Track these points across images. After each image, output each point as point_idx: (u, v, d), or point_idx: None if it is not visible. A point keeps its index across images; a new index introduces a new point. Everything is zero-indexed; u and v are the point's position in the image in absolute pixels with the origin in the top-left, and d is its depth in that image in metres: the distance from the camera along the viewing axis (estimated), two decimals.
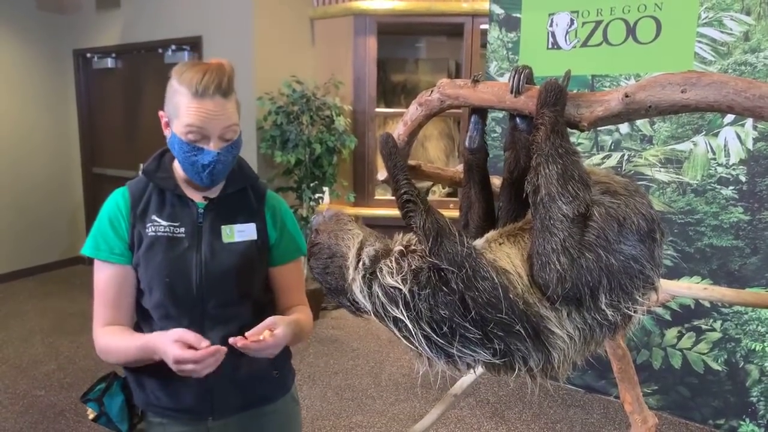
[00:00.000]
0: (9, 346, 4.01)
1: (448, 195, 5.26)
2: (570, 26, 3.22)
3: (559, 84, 0.87)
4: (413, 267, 0.87)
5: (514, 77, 0.92)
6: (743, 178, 2.84)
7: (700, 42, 2.86)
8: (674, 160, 3.03)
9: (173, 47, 4.90)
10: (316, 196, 4.42)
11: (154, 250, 1.29)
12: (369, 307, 0.89)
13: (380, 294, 0.88)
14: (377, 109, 4.92)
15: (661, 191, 3.07)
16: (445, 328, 0.85)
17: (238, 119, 1.29)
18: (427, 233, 0.87)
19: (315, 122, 4.32)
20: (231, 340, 1.15)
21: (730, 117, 2.85)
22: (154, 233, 1.30)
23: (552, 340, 0.86)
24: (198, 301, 1.30)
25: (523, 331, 0.85)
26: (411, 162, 1.16)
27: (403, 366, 3.76)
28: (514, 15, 3.44)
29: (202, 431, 1.34)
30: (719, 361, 3.00)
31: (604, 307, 0.85)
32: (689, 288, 1.71)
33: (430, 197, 5.24)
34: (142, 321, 1.36)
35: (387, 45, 5.16)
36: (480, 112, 1.04)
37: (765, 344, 2.86)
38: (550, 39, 3.30)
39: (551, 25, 3.28)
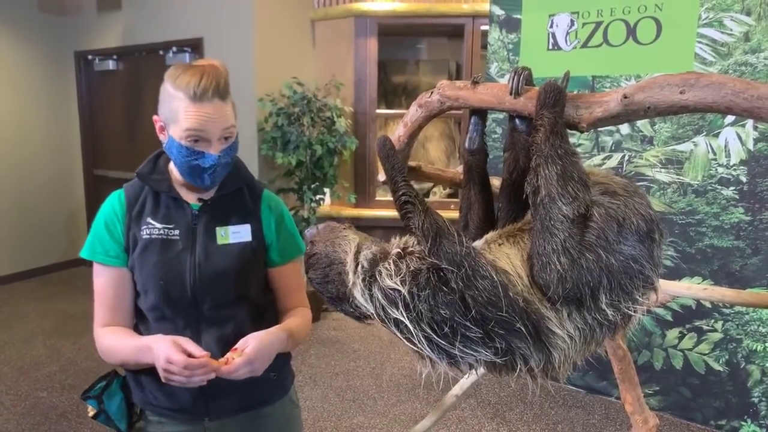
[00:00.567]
0: (11, 348, 4.01)
1: (449, 196, 5.26)
2: (570, 27, 3.22)
3: (558, 85, 0.87)
4: (412, 268, 0.88)
5: (513, 79, 0.92)
6: (744, 179, 2.84)
7: (700, 43, 2.87)
8: (675, 161, 3.03)
9: (174, 49, 4.91)
10: (317, 197, 4.42)
11: (149, 253, 1.29)
12: (371, 310, 0.90)
13: (380, 296, 0.88)
14: (378, 111, 4.92)
15: (661, 192, 3.07)
16: (446, 329, 0.85)
17: (235, 120, 1.29)
18: (426, 234, 0.87)
19: (316, 123, 4.33)
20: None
21: (730, 118, 2.85)
22: (148, 236, 1.30)
23: (553, 340, 0.87)
24: (192, 304, 1.30)
25: (523, 329, 0.85)
26: (411, 163, 1.17)
27: (404, 367, 3.76)
28: (515, 16, 3.45)
29: (199, 431, 1.35)
30: (720, 362, 2.99)
31: (604, 307, 0.86)
32: (689, 288, 1.71)
33: (431, 198, 5.24)
34: (139, 322, 1.37)
35: (388, 46, 5.16)
36: (480, 113, 1.04)
37: (766, 345, 2.86)
38: (551, 40, 3.30)
39: (551, 26, 3.29)
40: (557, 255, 0.84)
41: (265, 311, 1.43)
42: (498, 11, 3.53)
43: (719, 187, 2.91)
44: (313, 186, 4.38)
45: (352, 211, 4.79)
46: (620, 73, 3.12)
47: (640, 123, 3.10)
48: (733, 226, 2.89)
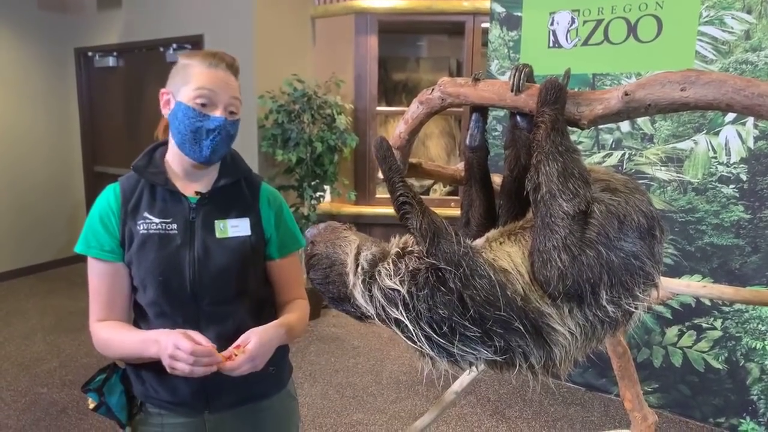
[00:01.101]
0: (11, 344, 4.02)
1: (449, 194, 5.26)
2: (571, 25, 3.22)
3: (560, 82, 0.87)
4: (411, 268, 0.88)
5: (514, 75, 0.92)
6: (744, 177, 2.84)
7: (701, 41, 2.87)
8: (675, 159, 3.03)
9: (174, 46, 4.91)
10: (318, 194, 4.42)
11: (147, 249, 1.29)
12: (371, 311, 0.90)
13: (380, 296, 0.88)
14: (378, 108, 4.92)
15: (661, 190, 3.07)
16: (444, 328, 0.85)
17: (241, 100, 1.33)
18: (424, 234, 0.87)
19: (316, 121, 4.32)
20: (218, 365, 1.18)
21: (731, 115, 2.85)
22: (146, 231, 1.29)
23: (553, 336, 0.87)
24: (192, 299, 1.30)
25: (522, 328, 0.85)
26: (412, 160, 1.17)
27: (404, 364, 3.76)
28: (515, 13, 3.45)
29: (198, 424, 1.36)
30: (720, 360, 3.00)
31: (605, 303, 0.86)
32: (688, 286, 1.72)
33: (431, 196, 5.24)
34: (139, 318, 1.37)
35: (388, 43, 5.16)
36: (481, 110, 1.04)
37: (765, 343, 2.87)
38: (551, 37, 3.30)
39: (552, 24, 3.29)
40: (558, 252, 0.84)
41: (264, 305, 1.43)
42: (498, 8, 3.52)
43: (719, 185, 2.91)
44: (313, 183, 4.38)
45: (352, 208, 4.79)
46: (621, 71, 3.11)
47: (640, 121, 3.10)
48: (733, 224, 2.89)
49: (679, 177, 3.03)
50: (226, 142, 1.30)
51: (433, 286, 0.86)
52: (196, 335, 1.18)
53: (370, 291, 0.89)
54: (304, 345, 4.00)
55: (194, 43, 4.79)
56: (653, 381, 3.20)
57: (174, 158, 1.35)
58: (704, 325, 3.03)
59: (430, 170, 1.22)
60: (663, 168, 3.07)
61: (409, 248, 0.92)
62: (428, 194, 5.29)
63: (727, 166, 2.88)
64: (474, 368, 0.92)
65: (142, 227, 1.30)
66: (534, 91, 0.91)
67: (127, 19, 5.20)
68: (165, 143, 1.38)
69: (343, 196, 4.74)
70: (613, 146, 3.23)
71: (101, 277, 1.31)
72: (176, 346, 1.14)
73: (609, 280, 0.85)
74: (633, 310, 0.89)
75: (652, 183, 3.09)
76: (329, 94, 4.44)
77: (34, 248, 5.64)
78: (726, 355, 2.98)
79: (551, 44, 3.31)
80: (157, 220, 1.30)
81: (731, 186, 2.88)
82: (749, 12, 2.75)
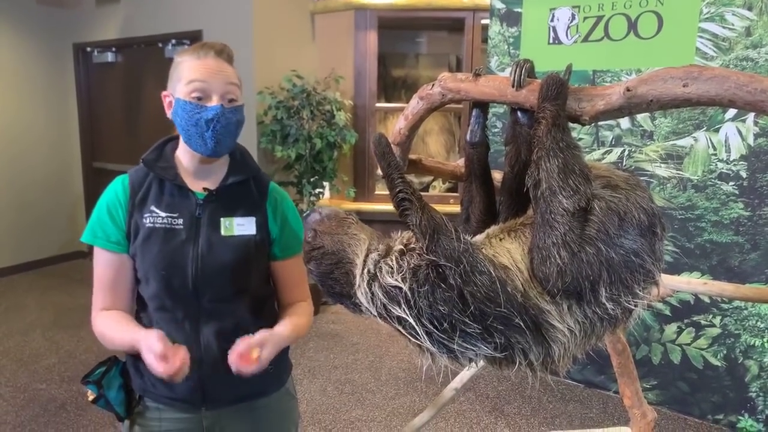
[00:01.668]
0: (9, 340, 4.02)
1: (448, 190, 5.26)
2: (571, 21, 3.21)
3: (561, 78, 0.87)
4: (412, 265, 0.87)
5: (515, 71, 0.92)
6: (744, 174, 2.84)
7: (701, 37, 2.86)
8: (675, 156, 3.03)
9: (173, 41, 4.89)
10: (317, 190, 4.42)
11: (151, 242, 1.29)
12: (373, 311, 0.89)
13: (380, 294, 0.87)
14: (378, 104, 4.91)
15: (661, 187, 3.07)
16: (445, 324, 0.85)
17: (240, 86, 1.32)
18: (424, 230, 0.86)
19: (315, 117, 4.31)
20: (230, 358, 1.20)
21: (731, 113, 2.85)
22: (152, 224, 1.30)
23: (552, 333, 0.87)
24: (193, 295, 1.30)
25: (522, 324, 0.85)
26: (412, 156, 1.16)
27: (402, 360, 3.76)
28: (515, 10, 3.43)
29: (196, 419, 1.36)
30: (718, 357, 3.00)
31: (604, 300, 0.85)
32: (688, 283, 1.71)
33: (431, 192, 5.24)
34: (140, 309, 1.38)
35: (388, 40, 5.14)
36: (481, 106, 1.03)
37: (764, 340, 2.87)
38: (551, 34, 3.29)
39: (552, 20, 3.28)
40: (557, 248, 0.84)
41: (265, 304, 1.43)
42: (498, 5, 3.51)
43: (719, 182, 2.91)
44: (312, 180, 4.37)
45: (351, 204, 4.78)
46: (621, 67, 3.11)
47: (640, 118, 3.09)
48: (732, 222, 2.89)
49: (678, 174, 3.02)
50: (228, 129, 1.29)
51: (433, 283, 0.85)
52: (176, 354, 1.18)
53: (371, 289, 0.89)
54: (303, 341, 4.00)
55: (193, 39, 4.77)
56: (652, 378, 3.21)
57: (184, 154, 1.35)
58: (703, 322, 3.03)
59: (430, 166, 1.22)
60: (663, 165, 3.07)
61: (411, 245, 0.91)
62: (428, 191, 5.29)
63: (727, 163, 2.88)
64: (473, 364, 0.92)
65: (148, 220, 1.30)
66: (535, 86, 0.90)
67: (125, 14, 5.19)
68: (176, 137, 1.39)
69: (343, 193, 4.74)
70: (613, 143, 3.22)
71: (106, 268, 1.33)
72: (149, 349, 1.17)
73: (609, 278, 0.85)
74: (633, 307, 0.88)
75: (651, 180, 3.09)
76: (328, 90, 4.43)
77: (32, 244, 5.64)
78: (725, 352, 2.98)
79: (551, 41, 3.30)
80: (163, 214, 1.31)
81: (731, 183, 2.87)
82: (750, 9, 2.74)
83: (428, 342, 0.86)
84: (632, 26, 3.03)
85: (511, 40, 3.49)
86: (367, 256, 0.92)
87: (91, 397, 1.35)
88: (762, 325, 2.87)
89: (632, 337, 3.19)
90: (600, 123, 3.10)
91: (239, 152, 1.41)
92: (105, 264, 1.33)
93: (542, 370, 0.91)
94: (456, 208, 1.08)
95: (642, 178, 3.10)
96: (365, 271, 0.90)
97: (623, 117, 0.86)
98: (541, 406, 3.23)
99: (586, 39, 3.18)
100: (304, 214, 1.01)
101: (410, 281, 0.86)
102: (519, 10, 3.41)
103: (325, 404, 3.23)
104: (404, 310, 0.85)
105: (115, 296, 1.34)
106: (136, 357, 1.32)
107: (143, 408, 1.37)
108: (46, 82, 5.63)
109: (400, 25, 5.18)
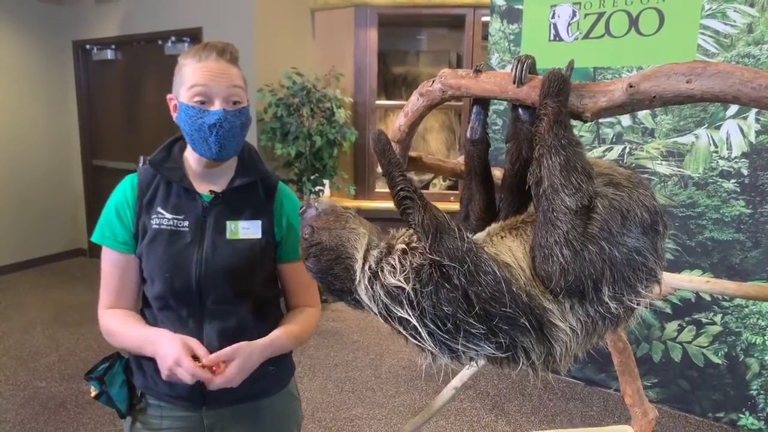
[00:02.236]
0: (10, 338, 4.01)
1: (449, 188, 5.25)
2: (572, 18, 3.20)
3: (563, 74, 0.86)
4: (415, 265, 0.86)
5: (516, 67, 0.91)
6: (745, 171, 2.83)
7: (703, 34, 2.85)
8: (676, 153, 3.02)
9: (173, 39, 4.88)
10: (317, 188, 4.41)
11: (157, 243, 1.29)
12: (374, 310, 0.88)
13: (382, 294, 0.86)
14: (378, 102, 4.90)
15: (662, 184, 3.06)
16: (449, 325, 0.83)
17: (244, 87, 1.31)
18: (426, 230, 0.85)
19: (315, 114, 4.30)
20: (195, 370, 1.18)
21: (732, 110, 2.84)
22: (158, 225, 1.30)
23: (554, 332, 0.86)
24: (197, 297, 1.30)
25: (527, 324, 0.83)
26: (412, 153, 1.15)
27: (403, 358, 3.76)
28: (516, 6, 3.42)
29: (197, 418, 1.36)
30: (719, 355, 3.00)
31: (606, 299, 0.84)
32: (691, 281, 1.70)
33: (431, 190, 5.23)
34: (145, 308, 1.38)
35: (388, 37, 5.13)
36: (482, 102, 1.02)
37: (765, 338, 2.86)
38: (552, 31, 3.28)
39: (553, 17, 3.26)
40: (560, 247, 0.83)
41: (269, 306, 1.43)
42: (499, 2, 3.50)
43: (720, 179, 2.90)
44: (312, 177, 4.36)
45: (351, 202, 4.78)
46: (622, 64, 3.09)
47: (641, 115, 3.08)
48: (733, 219, 2.88)
49: (679, 171, 3.01)
50: (232, 133, 1.27)
51: (437, 283, 0.84)
52: (197, 347, 1.20)
53: (373, 288, 0.87)
54: None
55: (193, 36, 4.76)
56: (652, 376, 3.20)
57: (191, 156, 1.35)
58: (704, 320, 3.02)
59: (431, 164, 1.21)
60: (664, 162, 3.06)
61: (413, 244, 0.89)
62: (427, 189, 5.28)
63: (728, 161, 2.87)
64: (474, 363, 0.91)
65: (154, 222, 1.30)
66: (536, 82, 0.89)
67: (125, 11, 5.17)
68: (183, 137, 1.38)
69: (343, 190, 4.73)
70: (614, 140, 3.21)
71: (113, 267, 1.34)
72: (177, 363, 1.16)
73: (611, 276, 0.84)
74: (635, 306, 0.87)
75: (652, 177, 3.08)
76: (329, 87, 4.42)
77: (33, 242, 5.63)
78: (726, 350, 2.97)
79: (552, 37, 3.29)
80: (169, 216, 1.31)
81: (732, 180, 2.86)
82: (752, 5, 2.73)
83: (430, 342, 0.85)
84: (633, 23, 3.02)
85: (512, 37, 3.48)
86: (367, 250, 0.90)
87: (93, 393, 1.36)
88: (763, 323, 2.86)
89: (633, 335, 3.18)
90: (601, 120, 3.10)
91: (247, 152, 1.40)
92: (112, 264, 1.34)
93: (543, 369, 0.90)
94: (456, 206, 1.07)
95: (643, 175, 3.09)
96: (366, 266, 0.89)
97: (625, 114, 0.85)
98: (541, 404, 3.23)
99: (587, 36, 3.17)
100: (300, 210, 0.96)
101: (413, 281, 0.84)
102: (520, 6, 3.40)
103: (325, 402, 3.22)
104: (407, 310, 0.84)
105: (121, 295, 1.35)
106: (139, 355, 1.33)
107: (145, 405, 1.37)
108: (46, 80, 5.62)
109: (400, 21, 5.16)
